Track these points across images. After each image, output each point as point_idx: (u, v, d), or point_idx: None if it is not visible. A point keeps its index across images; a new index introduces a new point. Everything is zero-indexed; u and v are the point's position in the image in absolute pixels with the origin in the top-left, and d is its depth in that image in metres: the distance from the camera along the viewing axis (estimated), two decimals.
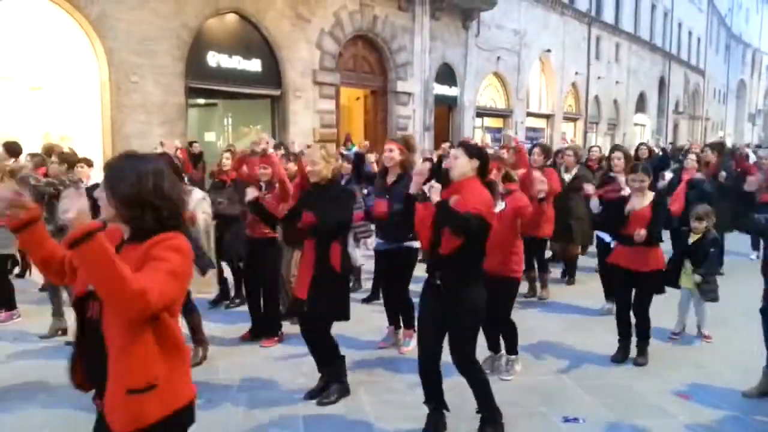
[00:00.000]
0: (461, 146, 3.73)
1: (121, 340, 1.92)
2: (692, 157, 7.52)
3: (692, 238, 5.57)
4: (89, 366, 2.06)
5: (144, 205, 1.96)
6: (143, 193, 1.95)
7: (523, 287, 7.04)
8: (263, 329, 5.45)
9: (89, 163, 6.86)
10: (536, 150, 6.79)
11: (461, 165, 3.53)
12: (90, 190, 6.44)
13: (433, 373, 3.63)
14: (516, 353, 4.73)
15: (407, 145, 5.11)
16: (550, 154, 7.16)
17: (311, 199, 4.14)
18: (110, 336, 1.94)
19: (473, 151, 3.60)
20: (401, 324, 5.44)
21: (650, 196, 4.87)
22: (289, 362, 4.92)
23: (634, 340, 5.05)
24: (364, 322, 5.76)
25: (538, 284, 7.08)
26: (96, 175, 6.70)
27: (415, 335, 5.03)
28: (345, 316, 4.18)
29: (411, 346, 5.10)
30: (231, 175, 6.65)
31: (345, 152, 13.75)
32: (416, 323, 3.74)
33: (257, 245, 5.36)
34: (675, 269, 5.52)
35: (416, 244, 5.02)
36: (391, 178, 5.04)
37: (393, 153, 4.97)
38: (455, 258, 3.41)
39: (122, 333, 1.91)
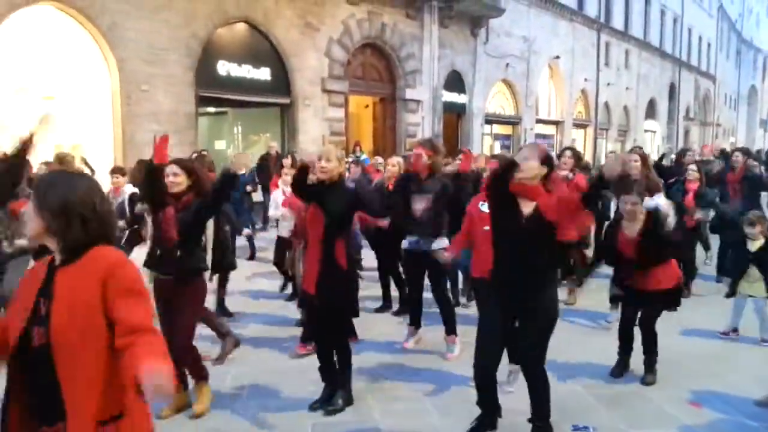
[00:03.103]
0: (532, 148, 3.58)
1: (88, 371, 1.86)
2: (693, 167, 7.35)
3: (754, 245, 5.48)
4: (36, 402, 1.93)
5: (71, 215, 1.92)
6: (70, 202, 1.93)
7: None
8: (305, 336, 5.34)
9: (123, 173, 6.86)
10: (566, 153, 6.81)
11: (533, 168, 3.38)
12: (132, 200, 6.48)
13: (492, 380, 3.66)
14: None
15: (434, 148, 5.30)
16: (581, 158, 7.15)
17: (318, 194, 4.13)
18: (70, 368, 1.85)
19: (543, 157, 3.48)
20: (421, 324, 5.56)
21: (642, 220, 4.57)
22: (298, 370, 4.91)
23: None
24: (370, 329, 5.75)
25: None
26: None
27: (459, 341, 5.19)
28: (354, 312, 4.23)
29: (456, 353, 5.15)
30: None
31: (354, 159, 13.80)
32: (477, 331, 3.74)
33: None
34: (737, 277, 5.52)
35: (446, 242, 5.22)
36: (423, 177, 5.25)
37: (423, 159, 5.18)
38: (534, 270, 3.43)
39: (90, 364, 1.86)
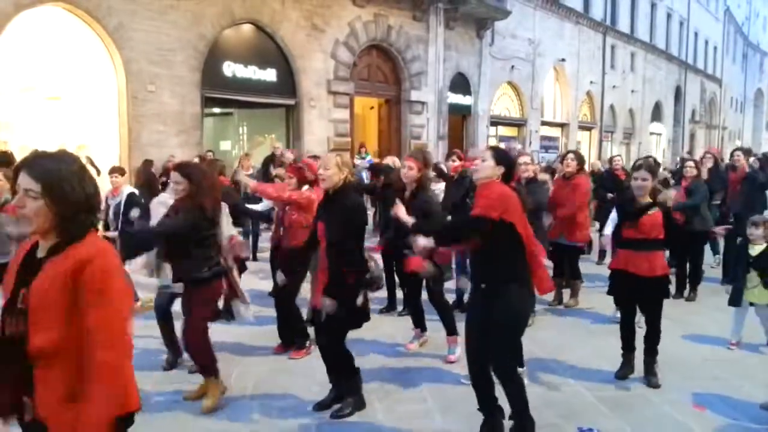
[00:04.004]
0: (491, 150, 3.72)
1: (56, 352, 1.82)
2: (690, 164, 7.53)
3: (755, 250, 5.29)
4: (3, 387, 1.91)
5: (87, 210, 1.87)
6: (88, 196, 1.87)
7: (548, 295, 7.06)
8: (290, 340, 5.42)
9: (122, 172, 6.85)
10: (569, 156, 6.89)
11: (486, 168, 3.57)
12: (130, 200, 6.45)
13: (481, 379, 3.63)
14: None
15: (425, 161, 5.21)
16: (583, 161, 7.12)
17: (322, 209, 4.14)
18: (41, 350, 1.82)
19: (501, 157, 3.60)
20: (426, 326, 5.56)
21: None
22: (303, 371, 4.92)
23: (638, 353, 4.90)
24: (375, 331, 5.75)
25: (566, 292, 7.05)
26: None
27: (461, 341, 5.07)
28: (356, 323, 4.10)
29: (457, 354, 5.07)
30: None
31: (359, 161, 13.82)
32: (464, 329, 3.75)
33: (289, 255, 5.23)
34: (740, 285, 5.29)
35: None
36: (408, 194, 5.10)
37: (412, 171, 5.06)
38: (490, 259, 3.48)
39: (61, 348, 1.82)
